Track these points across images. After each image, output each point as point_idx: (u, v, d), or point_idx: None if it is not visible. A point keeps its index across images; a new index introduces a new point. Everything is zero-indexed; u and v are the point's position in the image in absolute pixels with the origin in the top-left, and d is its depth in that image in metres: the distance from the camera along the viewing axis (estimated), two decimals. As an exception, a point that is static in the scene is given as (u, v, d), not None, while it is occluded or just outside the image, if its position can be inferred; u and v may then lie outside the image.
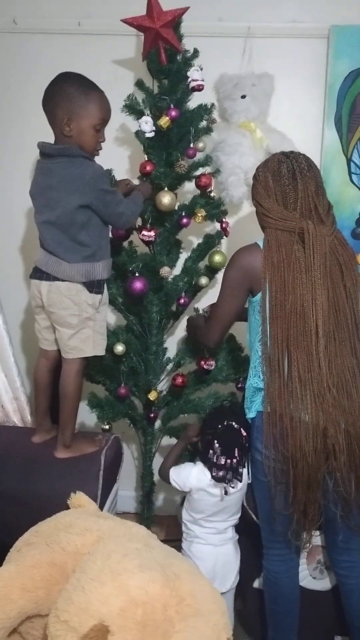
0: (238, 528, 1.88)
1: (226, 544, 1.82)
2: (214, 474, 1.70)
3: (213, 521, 1.78)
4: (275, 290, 1.57)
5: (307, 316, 1.55)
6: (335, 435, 1.54)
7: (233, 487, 1.72)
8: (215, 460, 1.70)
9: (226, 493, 1.72)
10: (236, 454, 1.69)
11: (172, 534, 2.47)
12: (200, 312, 2.03)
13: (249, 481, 1.78)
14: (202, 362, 2.08)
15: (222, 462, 1.69)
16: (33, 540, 1.32)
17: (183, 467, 1.80)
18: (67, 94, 1.64)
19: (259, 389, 1.64)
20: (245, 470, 1.75)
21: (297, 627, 1.79)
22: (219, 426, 1.72)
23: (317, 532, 1.80)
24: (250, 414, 1.68)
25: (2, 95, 2.36)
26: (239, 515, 1.84)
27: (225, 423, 1.73)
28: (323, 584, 1.86)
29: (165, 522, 2.54)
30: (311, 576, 1.85)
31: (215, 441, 1.71)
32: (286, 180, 1.61)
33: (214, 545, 1.79)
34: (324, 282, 1.55)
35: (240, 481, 1.72)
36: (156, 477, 2.31)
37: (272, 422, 1.57)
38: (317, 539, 1.82)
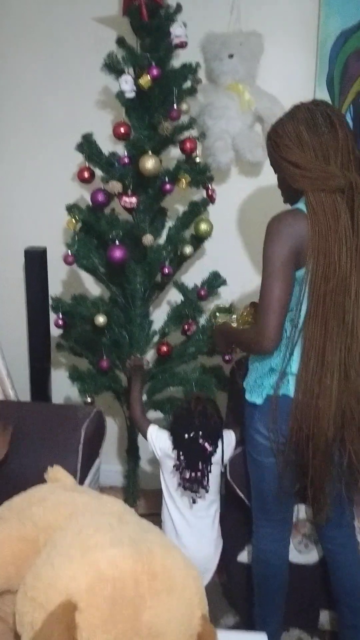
0: (227, 502, 1.85)
1: (205, 540, 1.77)
2: (179, 481, 1.68)
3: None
4: (321, 264, 1.38)
5: (350, 293, 1.40)
6: (356, 407, 1.46)
7: (200, 497, 1.70)
8: (180, 471, 1.67)
9: (194, 501, 1.70)
10: (200, 467, 1.65)
11: (157, 507, 2.45)
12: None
13: (224, 461, 1.74)
14: (185, 327, 2.02)
15: (187, 476, 1.66)
16: (5, 514, 1.27)
17: (164, 431, 1.76)
18: None
19: (275, 370, 1.53)
20: (220, 453, 1.71)
21: (283, 604, 1.77)
22: (185, 436, 1.66)
23: (303, 506, 1.78)
24: (256, 399, 1.57)
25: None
26: (217, 507, 1.79)
27: (190, 435, 1.66)
28: (308, 557, 1.84)
29: (151, 496, 2.51)
30: (296, 550, 1.82)
31: (181, 453, 1.67)
32: (325, 129, 1.39)
33: (194, 538, 1.75)
34: None
35: (207, 491, 1.69)
36: (142, 451, 2.28)
37: (299, 408, 1.48)
38: (302, 513, 1.79)
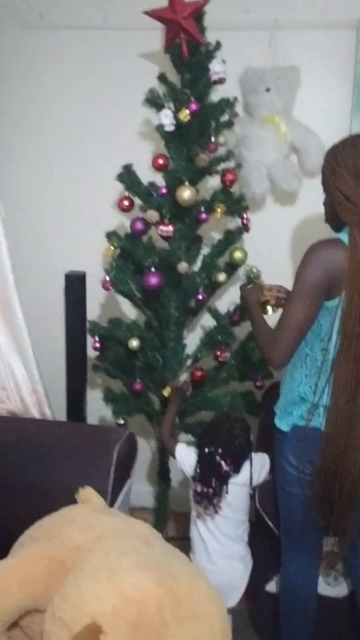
0: (256, 530, 1.85)
1: (233, 557, 1.78)
2: (193, 494, 1.70)
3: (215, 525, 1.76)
4: (355, 302, 1.38)
5: None
6: None
7: (209, 515, 1.70)
8: (194, 484, 1.69)
9: (199, 516, 1.72)
10: (213, 484, 1.66)
11: (186, 531, 2.46)
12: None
13: (253, 484, 1.74)
14: (217, 353, 2.04)
15: (199, 490, 1.67)
16: (36, 534, 1.32)
17: (192, 448, 1.79)
18: None
19: (305, 399, 1.53)
20: (246, 476, 1.72)
21: (311, 636, 1.75)
22: (205, 450, 1.69)
23: (332, 538, 1.76)
24: (283, 426, 1.58)
25: (30, 88, 2.37)
26: (245, 528, 1.80)
27: (210, 450, 1.68)
28: (338, 590, 1.82)
29: (181, 518, 2.53)
30: (325, 582, 1.80)
31: (198, 465, 1.69)
32: None
33: (219, 554, 1.76)
34: None
35: (217, 512, 1.70)
36: (172, 473, 2.30)
37: (328, 444, 1.47)
38: (331, 544, 1.77)
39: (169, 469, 2.28)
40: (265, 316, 1.69)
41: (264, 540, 1.84)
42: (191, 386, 2.05)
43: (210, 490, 1.67)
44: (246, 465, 1.74)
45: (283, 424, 1.59)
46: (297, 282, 1.43)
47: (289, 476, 1.59)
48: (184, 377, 2.21)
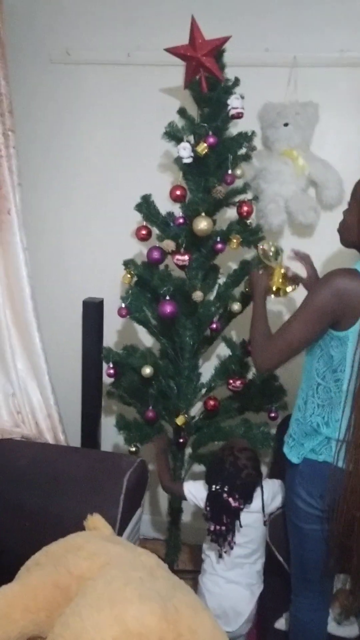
0: (265, 565, 1.82)
1: (240, 584, 1.75)
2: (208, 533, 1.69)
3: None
4: None
5: None
6: None
7: (226, 552, 1.68)
8: (206, 522, 1.69)
9: (220, 556, 1.70)
10: (225, 521, 1.65)
11: (197, 564, 2.42)
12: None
13: (266, 511, 1.71)
14: (230, 382, 2.04)
15: (212, 529, 1.66)
16: (42, 560, 1.32)
17: (199, 481, 1.77)
18: None
19: (318, 432, 1.51)
20: (259, 504, 1.70)
21: None
22: (212, 488, 1.67)
23: (343, 575, 1.72)
24: (293, 458, 1.56)
25: (56, 124, 2.45)
26: (259, 556, 1.78)
27: (216, 488, 1.67)
28: (349, 631, 1.77)
29: (194, 551, 2.49)
30: (335, 621, 1.76)
31: (207, 504, 1.68)
32: None
33: (226, 579, 1.74)
34: None
35: (232, 548, 1.68)
36: (184, 504, 2.28)
37: (350, 481, 1.44)
38: (342, 582, 1.73)
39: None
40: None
41: (274, 576, 1.81)
42: (169, 438, 2.05)
43: (223, 528, 1.65)
44: (258, 493, 1.72)
45: (293, 455, 1.57)
46: (308, 302, 1.44)
47: (299, 511, 1.57)
48: (198, 405, 2.20)
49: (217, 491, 1.66)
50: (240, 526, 1.67)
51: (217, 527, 1.65)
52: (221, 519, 1.65)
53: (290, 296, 1.90)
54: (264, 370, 1.56)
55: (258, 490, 1.73)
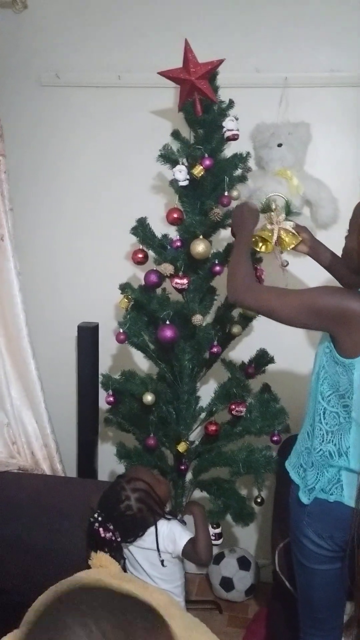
0: (274, 594, 1.76)
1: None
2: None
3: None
4: None
5: None
6: None
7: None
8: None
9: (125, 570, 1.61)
10: (105, 551, 1.52)
11: (202, 593, 2.36)
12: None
13: (162, 551, 1.60)
14: (232, 407, 2.00)
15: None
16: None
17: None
18: None
19: (330, 463, 1.43)
20: (151, 540, 1.59)
21: None
22: (91, 519, 1.57)
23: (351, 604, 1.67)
24: (303, 498, 1.46)
25: (46, 145, 2.42)
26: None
27: (94, 516, 1.57)
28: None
29: (201, 581, 2.44)
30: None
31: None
32: None
33: None
34: None
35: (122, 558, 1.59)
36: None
37: None
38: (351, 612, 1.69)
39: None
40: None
41: (283, 608, 1.76)
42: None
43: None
44: (152, 530, 1.60)
45: (304, 495, 1.48)
46: (314, 293, 1.39)
47: (306, 551, 1.49)
48: (198, 430, 2.16)
49: (90, 520, 1.56)
50: (124, 558, 1.58)
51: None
52: (101, 549, 1.52)
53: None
54: (238, 304, 1.55)
55: (151, 529, 1.60)
